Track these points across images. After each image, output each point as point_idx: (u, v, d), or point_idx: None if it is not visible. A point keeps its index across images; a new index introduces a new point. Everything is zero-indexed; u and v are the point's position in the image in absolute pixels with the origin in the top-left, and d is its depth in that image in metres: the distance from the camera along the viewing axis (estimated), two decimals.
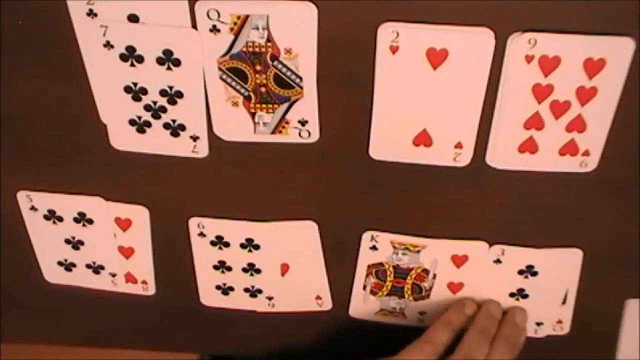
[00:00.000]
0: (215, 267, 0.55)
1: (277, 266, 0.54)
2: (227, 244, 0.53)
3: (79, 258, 0.56)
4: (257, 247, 0.53)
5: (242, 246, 0.53)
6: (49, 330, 0.61)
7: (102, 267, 0.56)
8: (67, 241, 0.55)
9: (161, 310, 0.58)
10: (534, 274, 0.52)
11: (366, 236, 0.52)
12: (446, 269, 0.52)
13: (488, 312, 0.53)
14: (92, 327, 0.60)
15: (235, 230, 0.52)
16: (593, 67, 0.42)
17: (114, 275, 0.56)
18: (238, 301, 0.57)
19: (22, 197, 0.53)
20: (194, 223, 0.53)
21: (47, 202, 0.53)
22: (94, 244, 0.55)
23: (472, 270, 0.52)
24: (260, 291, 0.56)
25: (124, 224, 0.53)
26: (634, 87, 0.43)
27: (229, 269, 0.55)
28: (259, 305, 0.56)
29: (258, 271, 0.54)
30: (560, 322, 0.54)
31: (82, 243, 0.55)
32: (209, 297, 0.57)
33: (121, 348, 0.61)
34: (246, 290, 0.56)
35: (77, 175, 0.51)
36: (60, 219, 0.53)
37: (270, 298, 0.56)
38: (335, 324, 0.57)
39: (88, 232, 0.54)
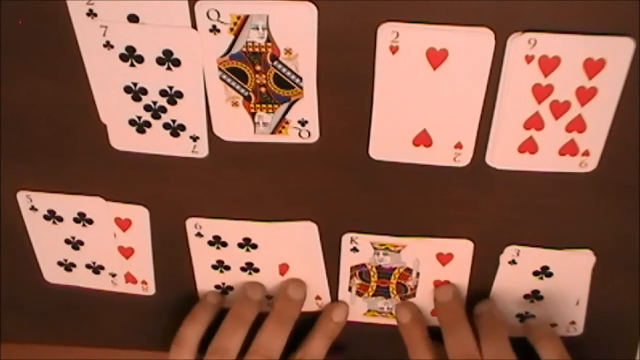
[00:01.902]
0: (214, 267, 0.55)
1: (276, 266, 0.54)
2: (224, 244, 0.53)
3: (78, 258, 0.56)
4: (254, 246, 0.53)
5: (240, 246, 0.53)
6: (49, 330, 0.61)
7: (102, 267, 0.56)
8: (67, 241, 0.55)
9: (160, 310, 0.58)
10: (549, 275, 0.52)
11: (346, 238, 0.52)
12: (431, 268, 0.53)
13: (243, 295, 0.52)
14: (92, 327, 0.60)
15: (233, 230, 0.52)
16: (593, 67, 0.42)
17: (113, 275, 0.56)
18: None
19: (22, 197, 0.52)
20: (191, 223, 0.52)
21: (47, 202, 0.53)
22: (94, 244, 0.55)
23: (458, 268, 0.52)
24: None
25: (124, 224, 0.53)
26: (634, 87, 0.43)
27: (228, 268, 0.55)
28: None
29: (257, 270, 0.54)
30: (573, 323, 0.54)
31: (82, 243, 0.55)
32: None
33: (121, 348, 0.61)
34: None
35: (77, 175, 0.51)
36: (60, 219, 0.53)
37: (269, 298, 0.56)
38: None
39: (88, 232, 0.54)
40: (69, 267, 0.56)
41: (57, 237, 0.55)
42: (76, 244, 0.55)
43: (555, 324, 0.54)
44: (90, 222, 0.53)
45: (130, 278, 0.56)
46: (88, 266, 0.56)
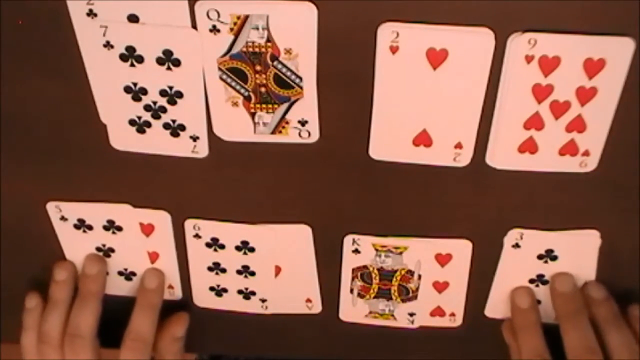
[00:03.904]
0: (210, 269, 0.55)
1: (271, 269, 0.54)
2: (222, 246, 0.53)
3: (110, 266, 0.56)
4: (252, 249, 0.53)
5: (238, 248, 0.53)
6: None
7: (133, 274, 0.56)
8: (99, 249, 0.55)
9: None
10: (554, 258, 0.51)
11: (347, 240, 0.52)
12: (431, 269, 0.52)
13: (142, 285, 0.55)
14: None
15: (231, 232, 0.52)
16: (593, 67, 0.42)
17: None
18: (231, 303, 0.56)
19: (51, 207, 0.52)
20: (189, 224, 0.52)
21: (76, 211, 0.53)
22: (124, 251, 0.55)
23: (456, 269, 0.52)
24: (253, 293, 0.56)
25: (147, 229, 0.53)
26: (634, 87, 0.43)
27: (224, 270, 0.54)
28: (252, 307, 0.56)
29: (252, 274, 0.54)
30: None
31: (113, 250, 0.55)
32: (202, 298, 0.57)
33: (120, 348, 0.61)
34: (240, 292, 0.56)
35: (77, 176, 0.51)
36: (90, 228, 0.53)
37: (263, 300, 0.56)
38: (326, 326, 0.57)
39: (118, 239, 0.54)
40: None
41: (88, 246, 0.55)
42: (107, 252, 0.55)
43: None
44: (119, 229, 0.53)
45: None
46: (120, 273, 0.56)
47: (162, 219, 0.52)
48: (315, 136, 0.47)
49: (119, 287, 0.57)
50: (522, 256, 0.51)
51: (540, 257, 0.51)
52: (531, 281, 0.53)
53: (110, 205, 0.52)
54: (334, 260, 0.53)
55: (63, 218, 0.53)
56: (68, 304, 0.53)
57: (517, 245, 0.51)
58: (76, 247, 0.55)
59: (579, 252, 0.51)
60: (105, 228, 0.53)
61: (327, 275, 0.54)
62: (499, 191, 0.49)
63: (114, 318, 0.59)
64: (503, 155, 0.46)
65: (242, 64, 0.44)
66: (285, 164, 0.49)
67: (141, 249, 0.54)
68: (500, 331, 0.55)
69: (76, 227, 0.53)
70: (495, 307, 0.55)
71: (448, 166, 0.47)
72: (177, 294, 0.57)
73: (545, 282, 0.53)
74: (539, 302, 0.54)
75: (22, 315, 0.57)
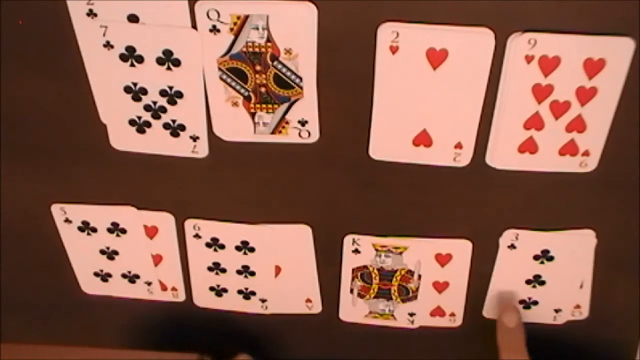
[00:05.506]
0: (210, 269, 0.55)
1: (271, 269, 0.54)
2: (222, 246, 0.53)
3: (114, 268, 0.56)
4: (252, 249, 0.53)
5: (238, 248, 0.53)
6: (48, 330, 0.61)
7: (137, 276, 0.56)
8: (102, 252, 0.55)
9: (155, 310, 0.58)
10: (550, 258, 0.51)
11: (348, 240, 0.52)
12: (431, 269, 0.52)
13: None
14: (92, 327, 0.60)
15: (231, 232, 0.52)
16: (593, 67, 0.42)
17: (149, 283, 0.56)
18: (231, 303, 0.57)
19: (56, 209, 0.53)
20: (189, 224, 0.52)
21: (81, 214, 0.53)
22: (128, 254, 0.55)
23: (456, 269, 0.52)
24: (253, 293, 0.56)
25: (151, 232, 0.53)
26: (634, 87, 0.43)
27: (224, 270, 0.55)
28: (252, 307, 0.56)
29: (252, 274, 0.54)
30: (578, 307, 0.54)
31: (116, 253, 0.55)
32: (202, 298, 0.57)
33: (120, 348, 0.61)
34: (240, 292, 0.56)
35: (76, 176, 0.51)
36: (94, 230, 0.53)
37: (263, 300, 0.56)
38: (326, 326, 0.57)
39: (122, 241, 0.54)
40: (105, 277, 0.56)
41: (92, 248, 0.55)
42: (111, 254, 0.55)
43: (559, 309, 0.54)
44: (123, 231, 0.53)
45: (160, 285, 0.56)
46: (124, 276, 0.56)
47: (165, 221, 0.52)
48: (315, 136, 0.47)
49: (122, 290, 0.57)
50: (518, 257, 0.51)
51: (536, 257, 0.51)
52: (527, 282, 0.53)
53: (115, 208, 0.52)
54: (334, 260, 0.53)
55: (67, 220, 0.53)
56: None
57: (512, 246, 0.51)
58: (80, 249, 0.55)
59: (574, 252, 0.51)
60: (110, 230, 0.53)
61: (327, 275, 0.54)
62: (499, 191, 0.49)
63: (116, 319, 0.59)
64: (503, 155, 0.46)
65: (242, 64, 0.44)
66: (285, 164, 0.49)
67: (145, 251, 0.54)
68: None
69: (80, 229, 0.53)
70: (493, 308, 0.55)
71: (448, 166, 0.47)
72: (181, 296, 0.57)
73: (542, 283, 0.53)
74: (536, 302, 0.54)
75: (22, 315, 0.57)
